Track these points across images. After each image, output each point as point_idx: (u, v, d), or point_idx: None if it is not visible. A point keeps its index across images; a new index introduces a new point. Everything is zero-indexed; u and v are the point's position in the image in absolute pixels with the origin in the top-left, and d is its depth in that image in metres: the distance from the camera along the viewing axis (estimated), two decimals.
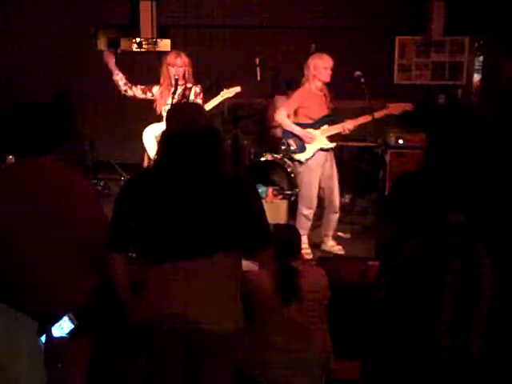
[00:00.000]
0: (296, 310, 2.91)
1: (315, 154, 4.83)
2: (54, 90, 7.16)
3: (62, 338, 2.10)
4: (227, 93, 5.04)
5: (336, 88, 6.15)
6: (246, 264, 2.68)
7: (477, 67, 7.45)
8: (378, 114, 4.78)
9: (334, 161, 4.95)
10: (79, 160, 7.23)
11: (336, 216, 5.04)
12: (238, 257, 2.51)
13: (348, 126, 4.79)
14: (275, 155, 6.08)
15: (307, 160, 4.84)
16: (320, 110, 4.79)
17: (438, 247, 1.82)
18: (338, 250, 5.02)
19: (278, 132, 6.63)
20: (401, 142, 6.14)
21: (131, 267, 2.52)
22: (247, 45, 7.04)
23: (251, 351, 2.95)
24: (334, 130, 4.81)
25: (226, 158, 2.47)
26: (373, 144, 5.08)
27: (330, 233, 5.09)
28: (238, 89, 5.09)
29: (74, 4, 7.12)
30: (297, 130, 4.81)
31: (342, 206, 6.14)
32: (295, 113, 4.85)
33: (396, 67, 7.22)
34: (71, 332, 2.14)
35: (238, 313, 2.48)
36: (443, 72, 7.23)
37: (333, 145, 4.86)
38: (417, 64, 7.23)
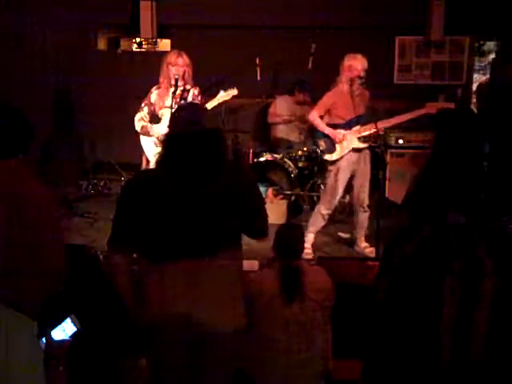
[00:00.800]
0: (298, 309, 2.91)
1: (345, 155, 4.80)
2: (54, 90, 7.16)
3: (63, 341, 2.08)
4: (224, 96, 5.02)
5: None
6: (246, 264, 2.68)
7: (477, 67, 7.46)
8: (414, 114, 4.76)
9: (368, 159, 4.89)
10: (79, 160, 7.24)
11: (366, 215, 4.99)
12: (240, 256, 2.51)
13: (381, 126, 4.75)
14: (275, 155, 6.09)
15: (337, 160, 4.82)
16: (353, 110, 4.72)
17: (438, 248, 1.82)
18: (369, 252, 4.95)
19: (278, 132, 6.65)
20: (401, 141, 6.14)
21: (134, 267, 2.52)
22: (247, 45, 7.04)
23: (252, 351, 2.95)
24: (367, 130, 4.76)
25: (228, 158, 2.47)
26: (373, 144, 5.08)
27: (363, 233, 5.05)
28: (235, 92, 5.07)
29: (74, 4, 7.11)
30: (327, 130, 4.79)
31: (342, 207, 6.17)
32: (329, 113, 4.83)
33: (396, 67, 7.23)
34: (74, 335, 2.12)
35: (240, 312, 2.48)
36: (443, 72, 7.23)
37: (364, 145, 4.81)
38: (417, 64, 7.24)
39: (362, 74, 4.66)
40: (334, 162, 4.84)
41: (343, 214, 5.99)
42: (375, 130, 4.73)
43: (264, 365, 2.95)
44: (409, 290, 1.86)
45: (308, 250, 4.83)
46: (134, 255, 2.57)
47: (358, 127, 4.78)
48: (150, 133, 4.81)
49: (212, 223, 2.34)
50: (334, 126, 4.80)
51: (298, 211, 6.07)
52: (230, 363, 2.52)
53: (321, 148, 4.92)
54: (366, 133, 4.77)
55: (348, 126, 4.78)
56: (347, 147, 4.79)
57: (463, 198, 1.83)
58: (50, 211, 2.62)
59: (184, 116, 2.44)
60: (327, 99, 4.83)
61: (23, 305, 2.32)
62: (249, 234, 2.55)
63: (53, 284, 2.56)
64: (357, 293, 3.57)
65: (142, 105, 4.85)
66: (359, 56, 4.74)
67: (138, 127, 4.83)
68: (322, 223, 5.01)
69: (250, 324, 2.74)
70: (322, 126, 4.83)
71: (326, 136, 4.83)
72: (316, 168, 6.22)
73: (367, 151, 4.87)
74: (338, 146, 4.79)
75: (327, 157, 4.86)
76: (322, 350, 3.00)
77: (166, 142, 2.45)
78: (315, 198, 6.30)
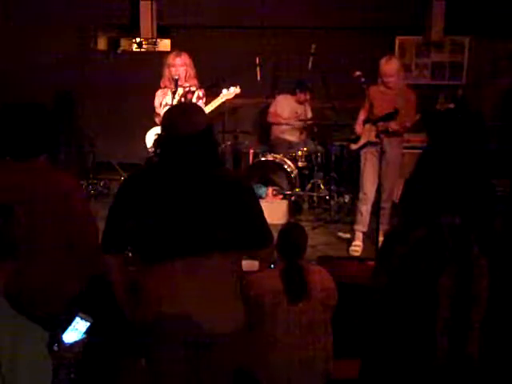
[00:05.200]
0: (301, 309, 2.90)
1: (364, 146, 5.05)
2: (55, 91, 7.16)
3: (76, 342, 2.05)
4: (227, 94, 5.03)
5: (336, 88, 6.17)
6: (246, 264, 2.67)
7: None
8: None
9: (391, 160, 4.95)
10: (79, 160, 7.24)
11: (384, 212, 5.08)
12: (238, 256, 2.50)
13: (392, 126, 4.83)
14: (275, 155, 6.08)
15: (356, 150, 5.13)
16: (383, 107, 4.83)
17: (433, 248, 1.81)
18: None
19: (278, 132, 6.64)
20: None
21: (129, 268, 2.51)
22: (247, 45, 7.04)
23: (252, 350, 2.94)
24: (383, 127, 4.85)
25: (223, 159, 2.46)
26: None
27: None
28: (237, 90, 5.08)
29: (74, 4, 7.11)
30: (357, 123, 5.13)
31: (340, 206, 6.18)
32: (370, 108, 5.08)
33: None
34: (88, 330, 2.10)
35: (238, 312, 2.48)
36: (443, 72, 7.23)
37: (376, 140, 4.87)
38: (417, 64, 7.24)
39: (389, 78, 4.82)
40: (358, 152, 5.12)
41: (342, 214, 6.01)
42: (387, 128, 4.81)
43: (266, 365, 2.95)
44: (404, 290, 1.86)
45: (356, 248, 5.06)
46: (129, 254, 2.57)
47: (381, 123, 4.82)
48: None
49: (205, 223, 2.33)
50: (368, 121, 5.02)
51: (298, 211, 6.07)
52: (229, 363, 2.52)
53: (352, 137, 5.25)
54: (382, 129, 4.82)
55: (376, 121, 4.86)
56: (363, 140, 5.05)
57: (458, 198, 1.83)
58: (84, 206, 2.61)
59: (173, 117, 2.41)
60: (367, 96, 5.08)
61: (53, 305, 2.32)
62: (250, 244, 2.45)
63: (83, 283, 2.56)
64: (357, 293, 3.56)
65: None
66: (389, 60, 4.92)
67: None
68: (360, 218, 5.09)
69: (252, 324, 2.74)
70: (358, 120, 5.14)
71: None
72: (316, 168, 6.23)
73: (394, 153, 4.97)
74: (361, 137, 5.10)
75: (352, 145, 5.23)
76: (323, 350, 3.00)
77: (158, 142, 2.42)
78: (315, 198, 6.31)
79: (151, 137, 5.01)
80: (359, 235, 5.10)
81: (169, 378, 2.47)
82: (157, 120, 4.89)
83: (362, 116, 5.15)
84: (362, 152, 5.07)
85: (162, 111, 4.86)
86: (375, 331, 1.98)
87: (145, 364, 2.55)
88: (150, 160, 2.51)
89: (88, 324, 2.09)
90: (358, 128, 5.11)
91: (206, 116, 2.48)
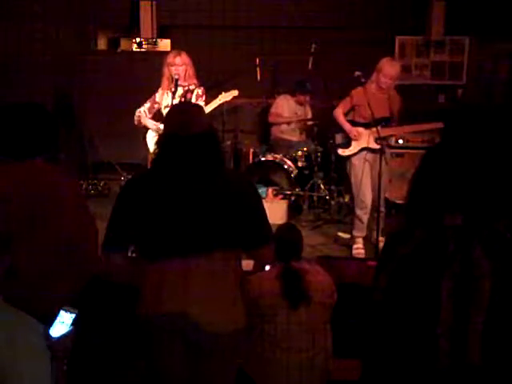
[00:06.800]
0: (301, 310, 2.90)
1: (359, 152, 4.86)
2: (55, 90, 7.17)
3: (65, 335, 2.05)
4: (225, 96, 5.05)
5: (336, 88, 6.16)
6: (246, 264, 2.67)
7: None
8: (432, 126, 4.81)
9: (385, 162, 4.77)
10: (79, 160, 7.24)
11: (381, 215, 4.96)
12: (238, 256, 2.50)
13: (399, 132, 4.78)
14: (275, 155, 6.08)
15: (350, 157, 4.89)
16: (376, 110, 4.67)
17: (435, 249, 1.81)
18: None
19: (278, 132, 6.65)
20: (401, 142, 6.14)
21: (131, 267, 2.51)
22: (247, 45, 7.04)
23: (252, 351, 2.94)
24: (385, 132, 4.76)
25: (225, 159, 2.45)
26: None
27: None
28: (235, 93, 5.10)
29: (74, 4, 7.11)
30: (346, 126, 4.88)
31: (340, 206, 6.18)
32: (353, 110, 4.90)
33: None
34: (75, 321, 2.09)
35: (238, 312, 2.48)
36: (443, 72, 7.24)
37: (377, 147, 4.73)
38: (417, 64, 7.24)
39: (388, 80, 4.70)
40: (347, 159, 4.92)
41: (342, 214, 6.01)
42: (392, 134, 4.76)
43: (265, 365, 2.94)
44: (406, 291, 1.85)
45: (360, 250, 4.96)
46: (133, 255, 2.57)
47: (378, 128, 4.70)
48: (141, 121, 4.87)
49: (206, 222, 2.34)
50: (355, 124, 4.86)
51: (298, 211, 6.07)
52: (229, 363, 2.52)
53: (336, 142, 5.02)
54: (384, 135, 4.73)
55: (369, 125, 4.77)
56: (360, 146, 4.85)
57: (460, 198, 1.83)
58: (82, 206, 2.59)
59: (178, 116, 2.42)
60: (351, 97, 4.90)
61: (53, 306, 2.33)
62: (251, 243, 2.46)
63: (82, 283, 2.55)
64: (357, 293, 3.57)
65: (147, 101, 4.89)
66: (393, 62, 4.83)
67: (135, 118, 4.87)
68: (360, 225, 4.97)
69: (252, 324, 2.74)
70: (342, 122, 4.91)
71: (344, 131, 4.91)
72: (316, 168, 6.23)
73: (388, 152, 4.91)
74: (353, 142, 4.87)
75: (340, 151, 4.97)
76: (322, 350, 3.00)
77: (160, 142, 2.43)
78: (315, 198, 6.31)
79: (151, 136, 4.99)
80: (359, 239, 5.05)
81: (169, 378, 2.48)
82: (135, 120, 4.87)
83: (342, 119, 4.90)
84: (358, 159, 4.87)
85: (163, 112, 4.86)
86: (376, 333, 1.97)
87: (145, 363, 2.55)
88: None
89: (73, 315, 2.09)
90: (353, 132, 4.82)
91: (204, 116, 2.49)
